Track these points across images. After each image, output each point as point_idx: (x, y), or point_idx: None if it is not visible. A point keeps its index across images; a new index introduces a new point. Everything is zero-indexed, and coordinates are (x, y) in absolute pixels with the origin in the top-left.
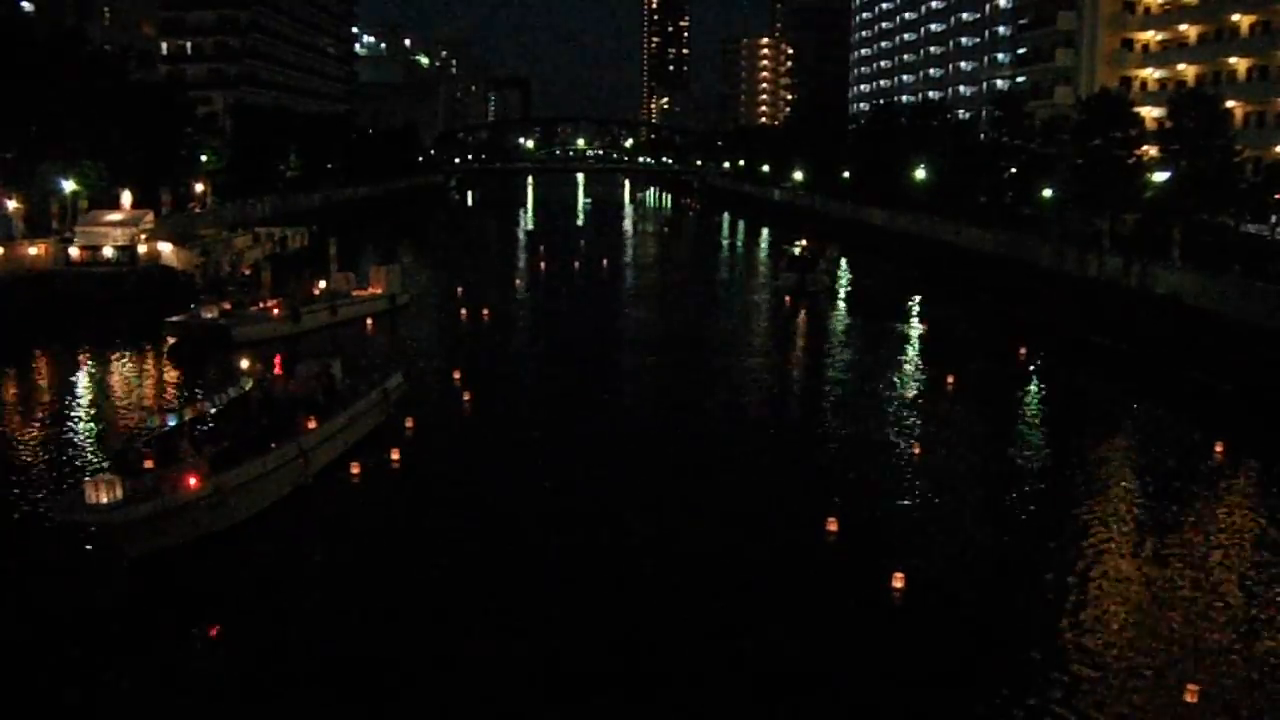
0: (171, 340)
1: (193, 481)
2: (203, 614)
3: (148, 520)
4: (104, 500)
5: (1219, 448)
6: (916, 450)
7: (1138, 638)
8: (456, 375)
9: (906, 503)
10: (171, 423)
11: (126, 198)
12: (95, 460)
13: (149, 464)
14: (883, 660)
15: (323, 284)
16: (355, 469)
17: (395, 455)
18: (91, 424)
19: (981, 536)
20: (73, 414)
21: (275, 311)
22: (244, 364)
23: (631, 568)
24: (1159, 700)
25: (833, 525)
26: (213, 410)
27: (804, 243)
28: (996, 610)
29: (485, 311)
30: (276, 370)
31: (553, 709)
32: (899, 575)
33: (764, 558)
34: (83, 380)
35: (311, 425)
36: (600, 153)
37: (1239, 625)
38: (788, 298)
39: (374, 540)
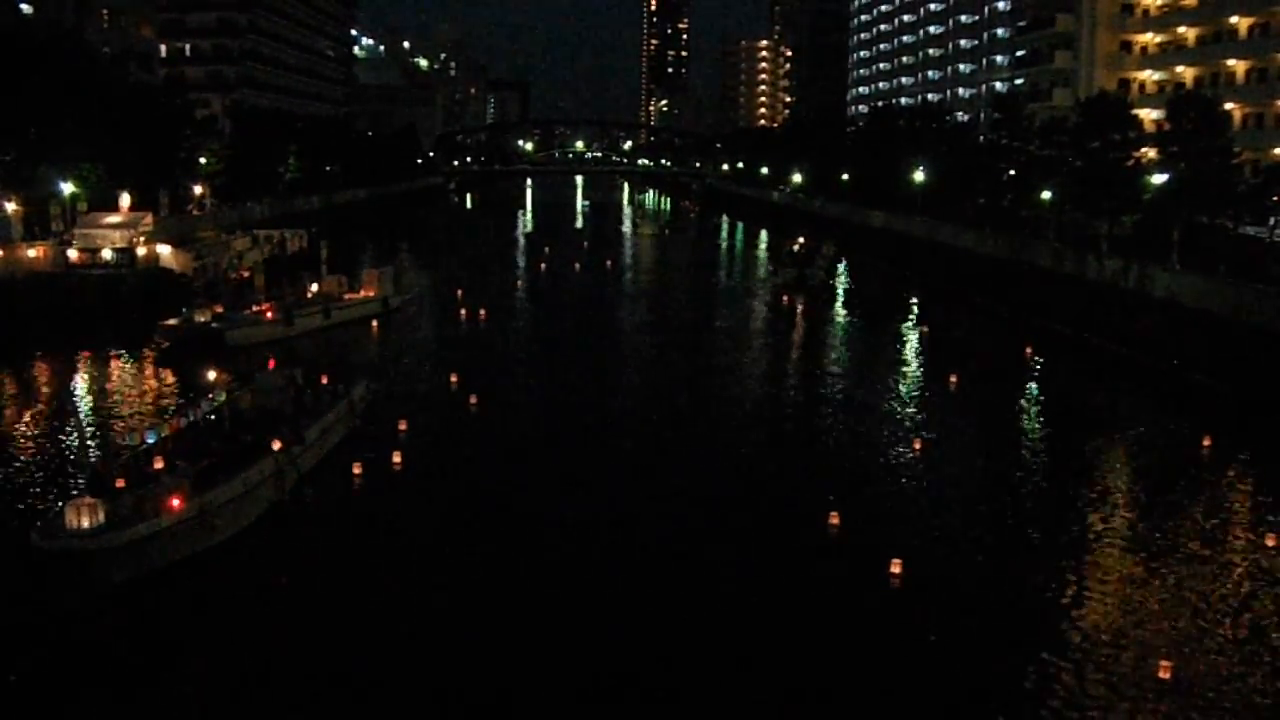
0: (164, 344)
1: (176, 503)
2: (188, 641)
3: (132, 545)
4: (85, 525)
5: (1206, 441)
6: (917, 446)
7: (1119, 621)
8: (454, 378)
9: (907, 498)
10: (150, 440)
11: (125, 200)
12: (82, 473)
13: (125, 484)
14: (880, 635)
15: (315, 287)
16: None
17: (397, 458)
18: (83, 433)
19: (977, 530)
20: (65, 422)
21: (269, 315)
22: (211, 375)
23: (637, 561)
24: (1135, 676)
25: (835, 519)
26: (187, 426)
27: (802, 240)
28: (986, 596)
29: (483, 313)
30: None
31: (560, 700)
32: (897, 561)
33: (769, 549)
34: (79, 385)
35: (286, 440)
36: (599, 155)
37: (1213, 610)
38: (786, 296)
39: (359, 556)
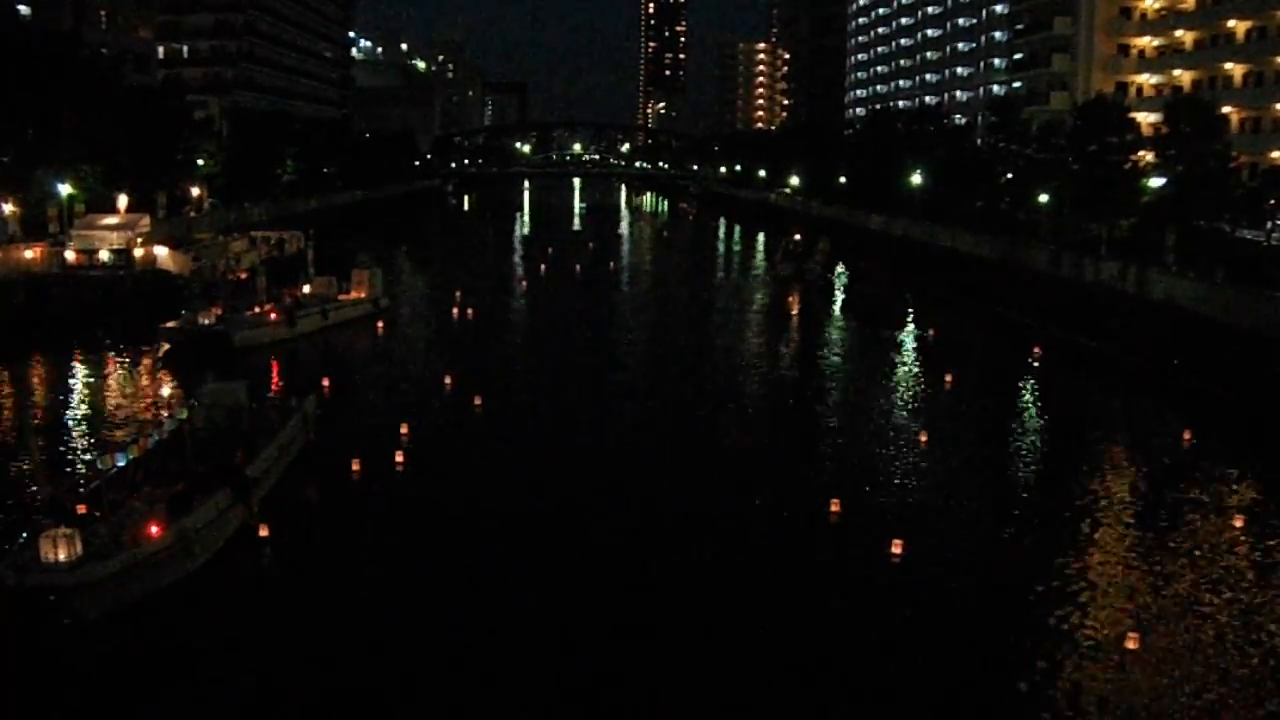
0: (167, 346)
1: (154, 530)
2: (174, 676)
3: (113, 578)
4: (61, 558)
5: (1187, 435)
6: (922, 439)
7: (1095, 597)
8: (457, 380)
9: (905, 490)
10: (120, 463)
11: (123, 201)
12: (46, 499)
13: (96, 512)
14: (881, 612)
15: (306, 288)
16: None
17: (400, 458)
18: (79, 440)
19: (971, 521)
20: (60, 428)
21: (272, 316)
22: (166, 390)
23: (641, 549)
24: (1105, 648)
25: (835, 506)
26: (154, 446)
27: (798, 237)
28: (976, 581)
29: (485, 314)
30: (281, 376)
31: (566, 693)
32: (897, 542)
33: (773, 535)
34: (76, 388)
35: (249, 458)
36: (597, 157)
37: (1184, 588)
38: (783, 291)
39: (352, 567)
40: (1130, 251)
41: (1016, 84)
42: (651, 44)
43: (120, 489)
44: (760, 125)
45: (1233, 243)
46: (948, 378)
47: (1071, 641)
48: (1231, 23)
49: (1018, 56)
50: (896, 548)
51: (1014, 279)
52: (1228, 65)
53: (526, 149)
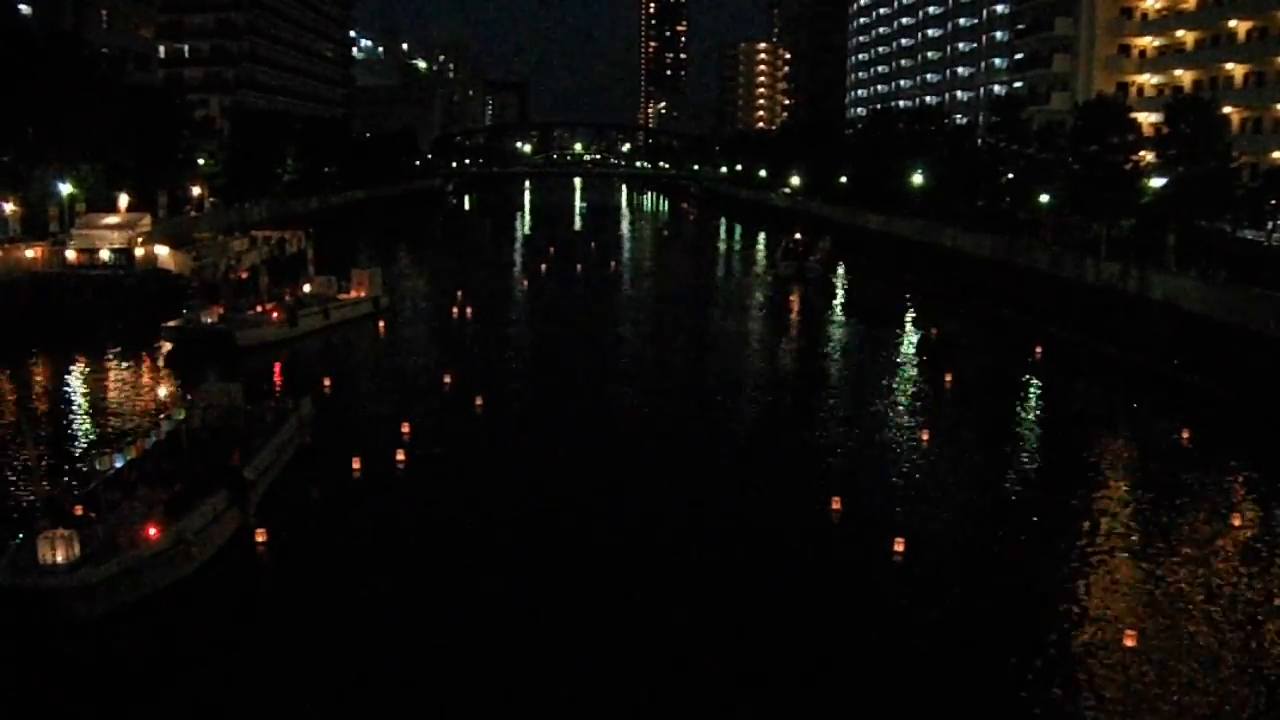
0: (169, 345)
1: (152, 532)
2: (171, 678)
3: (109, 580)
4: (59, 559)
5: (1185, 434)
6: (923, 438)
7: (1094, 596)
8: (458, 379)
9: (904, 489)
10: (118, 464)
11: (123, 201)
12: (41, 500)
13: (92, 513)
14: (882, 609)
15: (307, 288)
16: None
17: (401, 457)
18: (80, 440)
19: (972, 519)
20: (62, 428)
21: (275, 315)
22: (161, 391)
23: (644, 548)
24: (1104, 646)
25: (836, 504)
26: (151, 447)
27: (799, 236)
28: (976, 579)
29: (484, 314)
30: (275, 377)
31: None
32: (899, 540)
33: (774, 533)
34: (77, 388)
35: (244, 460)
36: (597, 157)
37: (1179, 587)
38: (785, 289)
39: (340, 572)
40: (1131, 252)
41: (1017, 84)
42: (652, 44)
43: (117, 490)
44: (761, 125)
45: (1233, 243)
46: (948, 377)
47: (1071, 639)
48: (1232, 23)
49: (1018, 56)
50: (898, 545)
51: (1015, 279)
52: (1228, 65)
53: (527, 149)
